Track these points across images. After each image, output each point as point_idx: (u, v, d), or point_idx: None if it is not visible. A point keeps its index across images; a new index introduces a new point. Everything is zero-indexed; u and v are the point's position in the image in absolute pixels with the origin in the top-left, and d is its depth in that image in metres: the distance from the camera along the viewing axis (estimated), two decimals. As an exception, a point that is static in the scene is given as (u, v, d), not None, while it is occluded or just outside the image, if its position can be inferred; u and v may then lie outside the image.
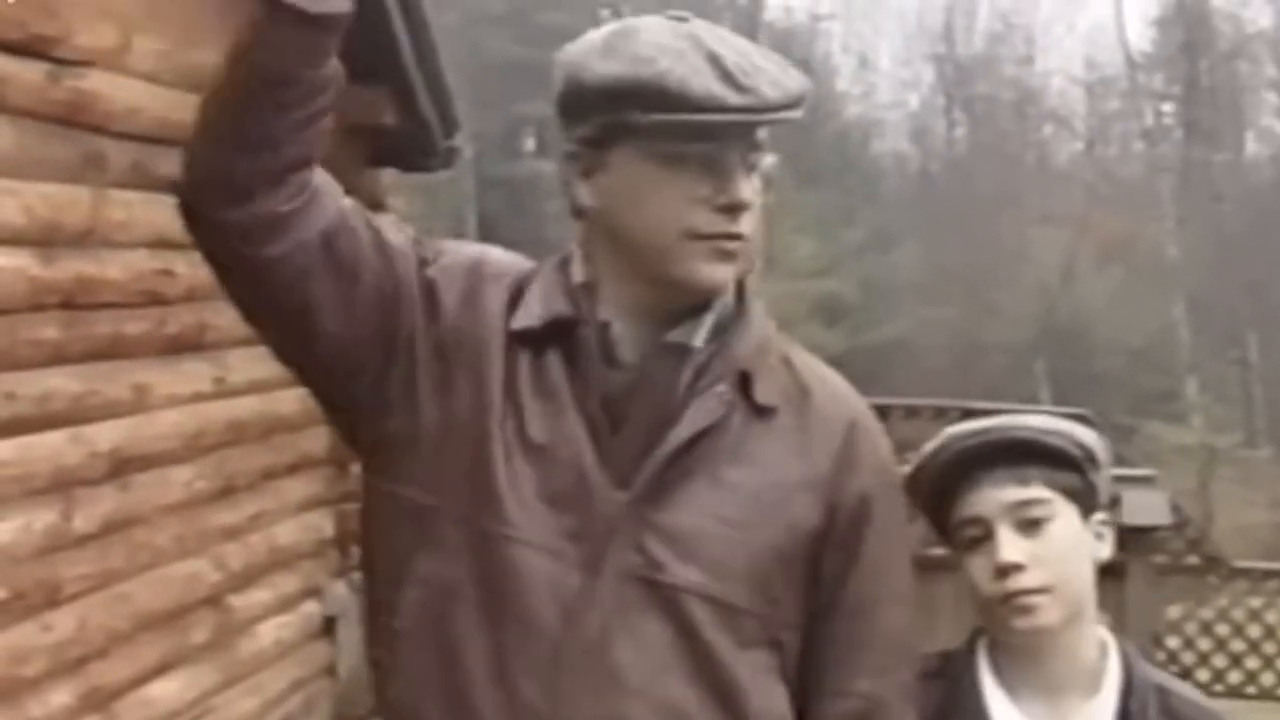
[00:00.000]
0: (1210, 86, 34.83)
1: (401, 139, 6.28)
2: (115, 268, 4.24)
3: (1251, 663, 9.45)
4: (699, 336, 1.79)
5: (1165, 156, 33.99)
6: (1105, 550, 1.98)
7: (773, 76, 1.73)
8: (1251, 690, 9.40)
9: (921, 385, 23.65)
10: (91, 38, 4.04)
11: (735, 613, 1.75)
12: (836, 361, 1.90)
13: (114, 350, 4.27)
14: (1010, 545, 1.90)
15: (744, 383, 1.79)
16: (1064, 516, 1.94)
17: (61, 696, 3.99)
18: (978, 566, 1.94)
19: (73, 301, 4.04)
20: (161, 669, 4.52)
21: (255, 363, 5.12)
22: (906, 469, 2.00)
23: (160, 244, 4.47)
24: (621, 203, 1.77)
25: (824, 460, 1.80)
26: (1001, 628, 1.95)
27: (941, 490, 1.97)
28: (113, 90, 4.16)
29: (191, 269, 4.67)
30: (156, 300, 4.48)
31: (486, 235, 23.54)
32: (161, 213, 4.54)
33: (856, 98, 39.87)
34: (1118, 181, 36.89)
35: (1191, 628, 9.47)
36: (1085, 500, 1.97)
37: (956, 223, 34.04)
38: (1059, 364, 30.87)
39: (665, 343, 1.78)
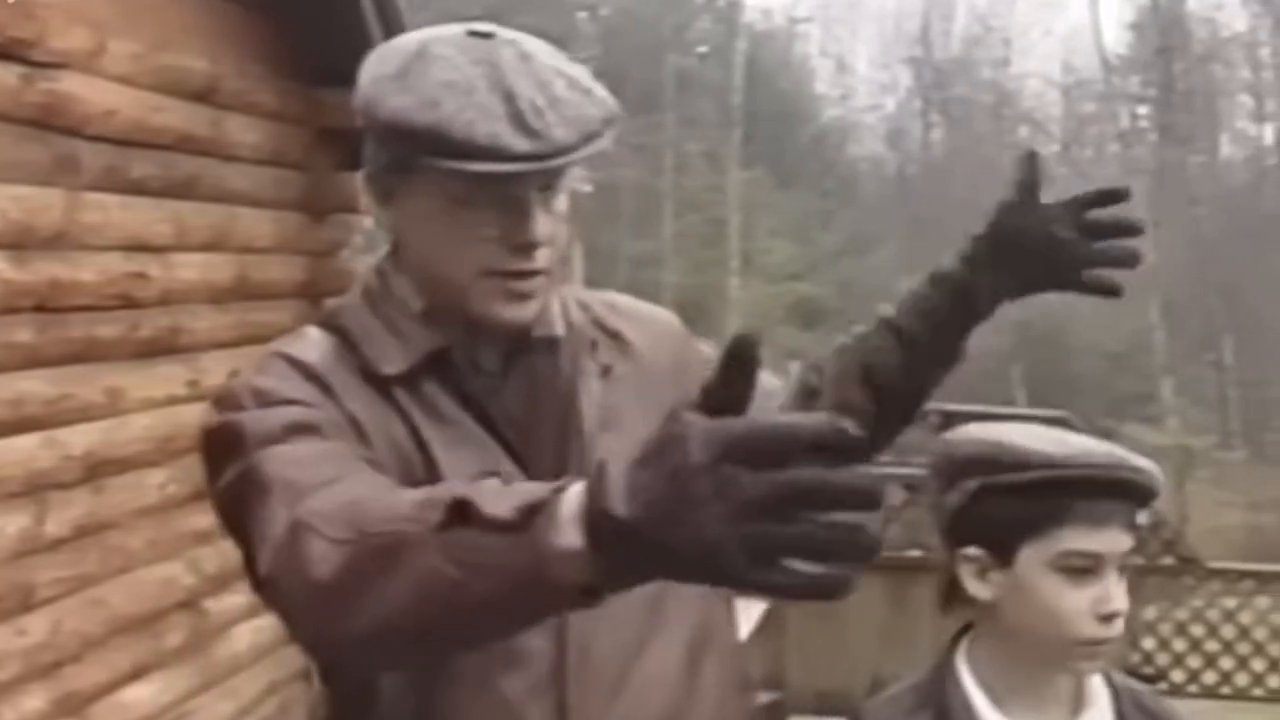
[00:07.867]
0: (1185, 90, 34.98)
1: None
2: (89, 271, 4.22)
3: (1226, 663, 9.47)
4: (559, 325, 1.81)
5: (1140, 159, 34.10)
6: None
7: (570, 112, 1.66)
8: (1226, 690, 9.42)
9: (898, 387, 23.67)
10: (66, 40, 4.01)
11: None
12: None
13: (87, 353, 4.25)
14: (1120, 594, 1.88)
15: (593, 352, 1.83)
16: None
17: (35, 701, 3.97)
18: (1072, 600, 1.87)
19: (46, 304, 4.02)
20: (136, 673, 4.49)
21: (229, 365, 5.10)
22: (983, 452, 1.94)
23: (134, 247, 4.45)
24: (418, 234, 1.74)
25: (665, 387, 1.81)
26: (1061, 663, 1.91)
27: (1059, 503, 1.87)
28: (87, 93, 4.13)
29: (165, 272, 4.65)
30: (130, 303, 4.45)
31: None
32: (136, 216, 4.54)
33: (834, 101, 40.01)
34: (1093, 184, 36.79)
35: (1166, 628, 9.49)
36: None
37: (933, 225, 34.06)
38: (1036, 367, 30.97)
39: (535, 338, 1.79)
